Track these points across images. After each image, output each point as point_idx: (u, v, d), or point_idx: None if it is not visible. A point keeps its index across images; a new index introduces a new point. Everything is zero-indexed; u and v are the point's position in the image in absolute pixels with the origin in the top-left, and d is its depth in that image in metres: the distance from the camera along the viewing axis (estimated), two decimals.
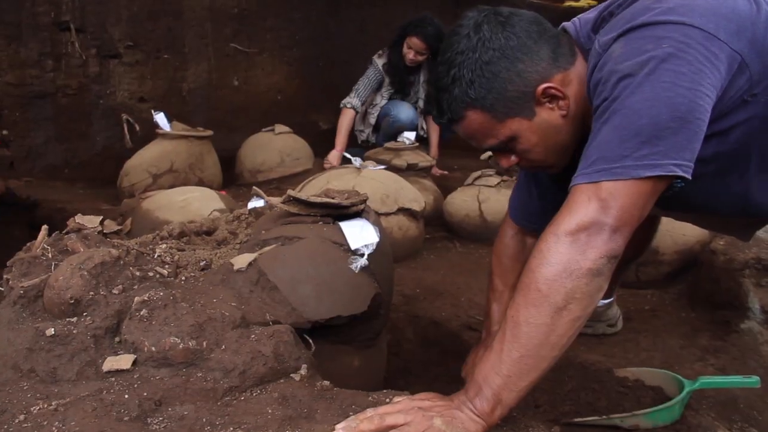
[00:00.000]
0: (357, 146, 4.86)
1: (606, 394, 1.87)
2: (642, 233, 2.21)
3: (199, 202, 2.81)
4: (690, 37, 1.25)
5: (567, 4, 6.69)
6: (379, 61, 4.79)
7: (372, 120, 4.92)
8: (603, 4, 1.49)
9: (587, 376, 1.96)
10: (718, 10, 1.30)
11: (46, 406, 1.13)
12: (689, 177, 1.25)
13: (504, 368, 1.23)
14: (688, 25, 1.26)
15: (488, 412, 1.23)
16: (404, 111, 4.77)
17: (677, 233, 2.78)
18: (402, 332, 2.44)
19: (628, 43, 1.30)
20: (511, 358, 1.22)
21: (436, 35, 4.52)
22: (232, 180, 4.54)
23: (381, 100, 4.88)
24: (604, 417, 1.75)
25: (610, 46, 1.34)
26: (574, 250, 1.21)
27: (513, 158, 1.53)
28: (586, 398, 1.85)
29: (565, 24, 1.56)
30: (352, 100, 4.74)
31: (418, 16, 4.66)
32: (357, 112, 4.78)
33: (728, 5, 1.31)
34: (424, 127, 4.94)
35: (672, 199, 1.46)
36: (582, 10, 6.40)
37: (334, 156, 4.56)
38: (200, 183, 3.89)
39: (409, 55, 4.63)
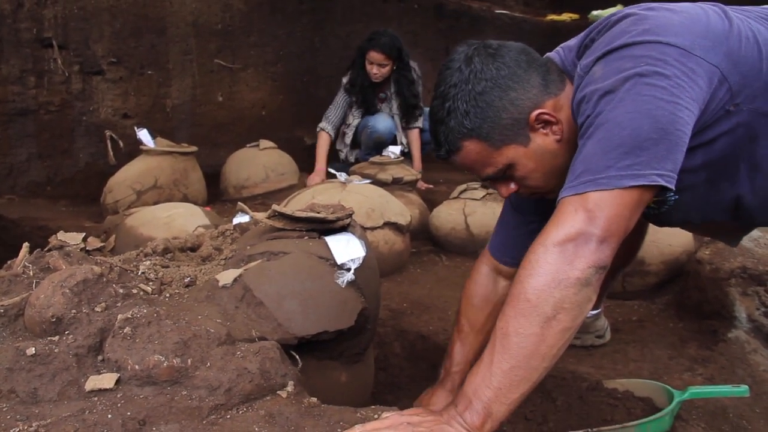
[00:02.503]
0: (340, 163, 4.86)
1: (596, 406, 1.86)
2: (630, 241, 2.22)
3: (183, 219, 2.78)
4: (667, 54, 1.29)
5: (549, 17, 6.73)
6: (345, 83, 4.85)
7: (348, 140, 4.94)
8: (583, 33, 1.53)
9: (577, 387, 1.95)
10: (693, 28, 1.34)
11: (26, 427, 1.11)
12: (672, 187, 1.27)
13: (494, 380, 1.23)
14: (664, 43, 1.30)
15: (478, 426, 1.23)
16: (381, 121, 4.79)
17: (663, 244, 2.79)
18: (389, 347, 2.42)
19: (608, 64, 1.34)
20: (502, 370, 1.23)
21: (392, 44, 4.61)
22: (217, 196, 4.51)
23: (354, 120, 4.90)
24: (595, 430, 1.75)
25: (591, 68, 1.38)
26: (562, 260, 1.23)
27: (512, 186, 1.55)
28: (576, 410, 1.85)
29: (550, 54, 1.59)
30: (323, 124, 4.83)
31: (371, 32, 4.73)
32: (331, 135, 4.84)
33: (702, 23, 1.36)
34: (404, 141, 4.95)
35: (668, 213, 1.48)
36: (563, 23, 6.44)
37: (314, 177, 4.57)
38: (185, 199, 3.86)
39: (373, 70, 4.66)
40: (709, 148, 1.40)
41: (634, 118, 1.25)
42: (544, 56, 1.57)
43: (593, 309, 2.41)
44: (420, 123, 4.96)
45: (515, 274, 1.53)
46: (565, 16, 6.61)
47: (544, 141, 1.48)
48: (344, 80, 4.85)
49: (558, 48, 1.60)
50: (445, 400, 1.69)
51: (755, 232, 2.69)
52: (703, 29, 1.35)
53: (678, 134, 1.26)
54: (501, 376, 1.22)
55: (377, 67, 4.64)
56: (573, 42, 1.57)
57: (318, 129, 4.84)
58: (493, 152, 1.47)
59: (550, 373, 1.93)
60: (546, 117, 1.45)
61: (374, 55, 4.61)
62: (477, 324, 1.81)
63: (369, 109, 4.87)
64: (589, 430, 1.73)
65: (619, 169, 1.24)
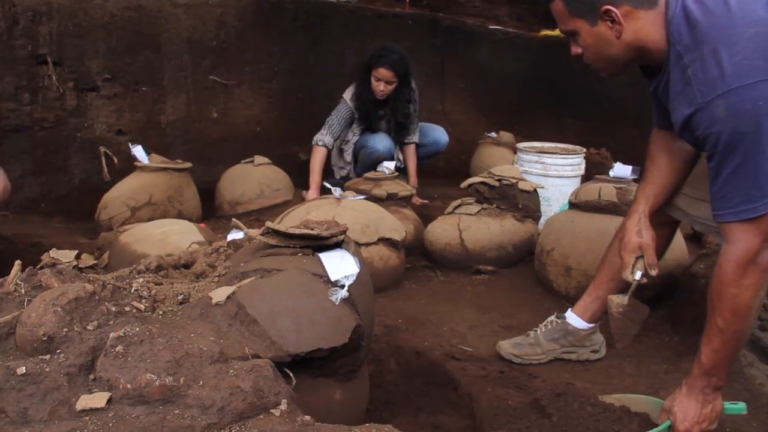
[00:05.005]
0: (336, 180, 4.81)
1: (592, 421, 1.85)
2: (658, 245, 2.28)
3: (177, 235, 2.78)
4: None
5: (542, 33, 6.77)
6: (349, 98, 4.73)
7: (348, 157, 4.86)
8: None
9: (573, 403, 1.94)
10: None
11: None
12: None
13: (724, 367, 1.81)
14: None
15: (713, 395, 1.83)
16: (381, 141, 4.73)
17: None
18: (384, 363, 2.41)
19: (730, 107, 1.61)
20: (727, 357, 1.79)
21: (401, 61, 4.53)
22: (212, 212, 4.51)
23: (353, 137, 4.82)
24: None
25: (709, 100, 1.63)
26: (760, 274, 1.69)
27: (579, 50, 1.93)
28: (573, 426, 1.84)
29: None
30: (324, 138, 4.65)
31: (378, 47, 4.65)
32: (329, 149, 4.69)
33: None
34: (400, 157, 4.94)
35: None
36: (557, 38, 6.45)
37: (312, 195, 4.51)
38: (179, 216, 3.85)
39: (380, 87, 4.56)
40: None
41: None
42: None
43: (590, 323, 2.42)
44: (416, 138, 4.95)
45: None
46: (559, 32, 6.65)
47: (606, 31, 1.82)
48: (345, 95, 4.75)
49: None
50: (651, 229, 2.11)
51: None
52: None
53: None
54: (726, 360, 1.79)
55: (384, 84, 4.55)
56: None
57: (316, 142, 4.64)
58: (568, 16, 1.87)
59: (546, 390, 1.95)
60: (613, 15, 1.78)
61: (383, 72, 4.51)
62: (662, 160, 2.16)
63: (371, 126, 4.80)
64: None
65: None
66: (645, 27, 1.79)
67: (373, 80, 4.58)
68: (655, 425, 1.84)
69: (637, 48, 1.83)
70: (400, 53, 4.58)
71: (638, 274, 2.04)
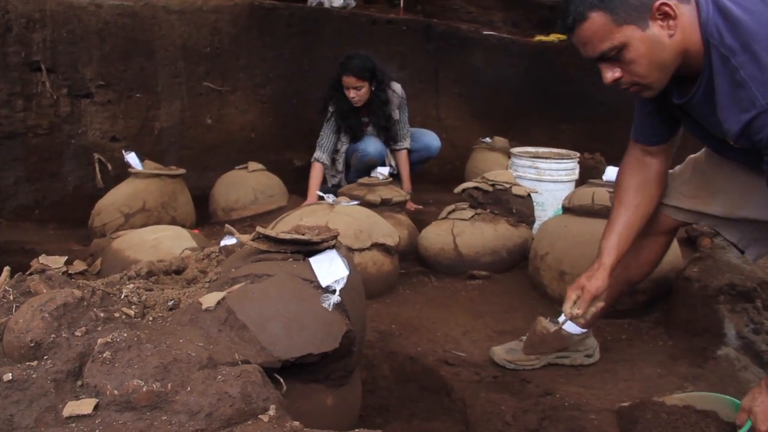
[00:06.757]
0: (328, 188, 4.82)
1: (671, 428, 1.87)
2: (653, 253, 2.27)
3: (170, 242, 2.77)
4: None
5: (537, 38, 6.79)
6: (330, 111, 4.81)
7: (340, 166, 4.91)
8: None
9: (647, 413, 1.95)
10: None
11: None
12: None
13: None
14: None
15: None
16: (372, 144, 4.75)
17: None
18: (378, 369, 2.40)
19: None
20: None
21: (362, 66, 4.56)
22: (206, 218, 4.50)
23: (342, 146, 4.87)
24: None
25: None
26: None
27: (617, 73, 1.76)
28: None
29: None
30: (317, 154, 4.76)
31: (345, 56, 4.71)
32: (324, 164, 4.78)
33: None
34: (393, 164, 4.94)
35: None
36: (551, 44, 6.47)
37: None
38: (173, 222, 3.84)
39: (350, 94, 4.62)
40: None
41: None
42: None
43: (583, 328, 2.41)
44: (408, 144, 4.95)
45: (662, 149, 2.10)
46: (553, 37, 6.67)
47: (659, 31, 1.67)
48: (329, 108, 4.81)
49: None
50: (602, 280, 2.07)
51: None
52: None
53: None
54: None
55: (353, 90, 4.61)
56: None
57: (312, 160, 4.77)
58: (614, 28, 1.67)
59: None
60: (667, 9, 1.65)
61: (347, 80, 4.59)
62: (630, 203, 2.12)
63: (356, 134, 4.83)
64: None
65: None
66: (687, 25, 1.68)
67: (344, 89, 4.65)
68: (732, 425, 1.82)
69: (682, 51, 1.71)
70: (362, 57, 4.63)
71: (574, 312, 2.08)
